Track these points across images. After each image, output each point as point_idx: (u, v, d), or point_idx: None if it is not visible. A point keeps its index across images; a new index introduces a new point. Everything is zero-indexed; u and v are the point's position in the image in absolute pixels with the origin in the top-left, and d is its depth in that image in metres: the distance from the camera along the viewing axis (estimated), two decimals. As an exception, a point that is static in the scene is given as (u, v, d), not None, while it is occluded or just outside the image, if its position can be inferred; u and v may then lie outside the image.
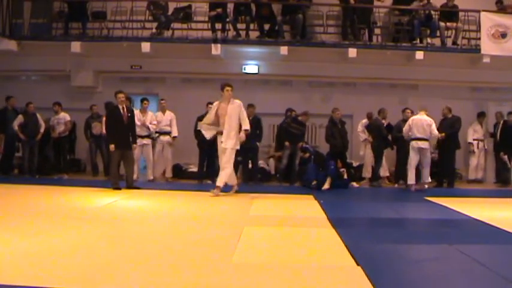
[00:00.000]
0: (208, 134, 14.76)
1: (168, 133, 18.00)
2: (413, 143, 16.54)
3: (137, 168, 17.31)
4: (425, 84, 20.28)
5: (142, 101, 18.00)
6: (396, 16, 19.94)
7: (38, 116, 18.14)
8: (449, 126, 17.65)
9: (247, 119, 14.31)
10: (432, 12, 19.37)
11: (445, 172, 17.69)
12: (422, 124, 16.49)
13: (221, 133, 14.10)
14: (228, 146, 13.92)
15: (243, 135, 14.04)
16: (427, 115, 16.72)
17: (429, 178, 16.77)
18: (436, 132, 16.51)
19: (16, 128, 17.84)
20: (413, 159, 16.54)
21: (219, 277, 6.07)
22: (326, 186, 15.80)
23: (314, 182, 15.93)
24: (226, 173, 14.06)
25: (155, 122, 17.77)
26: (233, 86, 14.32)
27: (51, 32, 20.38)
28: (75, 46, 19.14)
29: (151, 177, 17.70)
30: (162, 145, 18.02)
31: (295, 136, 17.69)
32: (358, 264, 6.60)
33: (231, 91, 14.20)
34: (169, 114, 18.07)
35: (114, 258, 6.86)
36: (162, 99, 18.46)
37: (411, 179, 16.59)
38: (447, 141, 17.41)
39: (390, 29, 19.93)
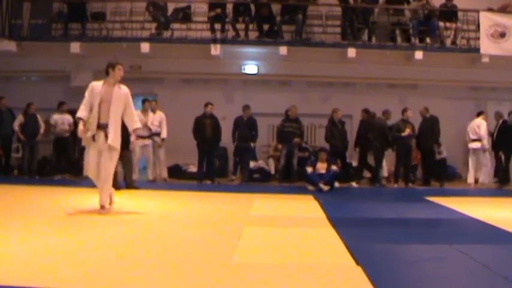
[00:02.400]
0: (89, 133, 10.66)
1: (158, 134, 17.92)
2: (469, 145, 17.96)
3: (137, 169, 17.30)
4: (424, 84, 20.32)
5: (143, 101, 17.99)
6: (395, 16, 19.91)
7: (38, 116, 18.15)
8: (430, 128, 18.02)
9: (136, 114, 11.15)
10: (431, 12, 19.36)
11: (433, 173, 17.88)
12: (474, 126, 17.81)
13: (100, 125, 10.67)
14: (114, 144, 10.66)
15: (134, 139, 11.47)
16: (483, 118, 17.95)
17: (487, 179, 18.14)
18: (482, 133, 17.64)
19: (17, 128, 17.86)
20: (470, 160, 18.06)
21: (219, 277, 6.07)
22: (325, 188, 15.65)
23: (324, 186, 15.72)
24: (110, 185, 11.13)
25: (156, 123, 17.73)
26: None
27: (50, 33, 20.37)
28: (75, 47, 19.16)
29: (151, 178, 17.69)
30: (152, 146, 17.97)
31: (289, 135, 17.76)
32: (358, 264, 6.61)
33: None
34: (159, 115, 17.97)
35: (113, 259, 6.88)
36: (153, 100, 18.41)
37: (470, 177, 18.05)
38: (429, 142, 18.03)
39: (388, 29, 19.87)
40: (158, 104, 18.45)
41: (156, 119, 17.91)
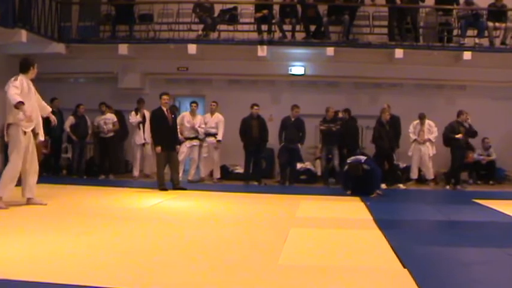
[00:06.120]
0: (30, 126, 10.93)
1: (214, 135, 18.03)
2: None
3: (182, 169, 17.37)
4: (473, 85, 20.03)
5: (191, 103, 18.13)
6: (443, 16, 19.70)
7: (87, 117, 18.36)
8: (394, 126, 17.80)
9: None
10: (480, 11, 19.09)
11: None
12: None
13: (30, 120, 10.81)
14: (43, 138, 11.55)
15: (54, 118, 11.91)
16: None
17: None
18: None
19: (68, 129, 18.13)
20: None
21: (264, 279, 6.08)
22: (374, 195, 14.71)
23: (349, 192, 14.94)
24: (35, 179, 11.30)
25: (203, 126, 17.85)
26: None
27: (98, 35, 20.65)
28: (123, 48, 19.35)
29: (190, 178, 17.68)
30: (208, 146, 18.07)
31: (325, 136, 17.73)
32: (404, 267, 6.55)
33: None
34: (216, 117, 18.12)
35: (159, 258, 6.92)
36: (213, 101, 18.50)
37: None
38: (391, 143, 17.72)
39: (436, 29, 19.64)
40: (209, 106, 18.65)
41: (214, 120, 18.07)
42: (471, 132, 17.48)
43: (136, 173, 18.36)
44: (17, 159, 10.70)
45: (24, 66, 10.97)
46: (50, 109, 11.56)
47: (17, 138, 10.68)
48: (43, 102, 11.42)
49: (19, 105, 10.38)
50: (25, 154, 10.86)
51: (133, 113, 18.46)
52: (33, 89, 10.99)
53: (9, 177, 10.67)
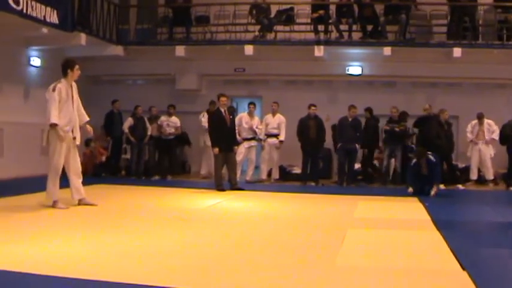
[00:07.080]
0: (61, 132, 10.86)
1: (276, 135, 18.03)
2: None
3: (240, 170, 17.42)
4: (534, 83, 19.70)
5: (249, 104, 18.24)
6: (502, 14, 19.41)
7: (145, 119, 18.53)
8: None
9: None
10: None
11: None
12: None
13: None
14: (79, 142, 11.53)
15: (90, 128, 11.77)
16: None
17: None
18: None
19: (126, 130, 18.32)
20: None
21: (321, 279, 6.09)
22: (433, 192, 14.54)
23: (410, 189, 14.70)
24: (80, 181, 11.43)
25: (261, 127, 17.89)
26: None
27: (156, 37, 20.95)
28: (180, 50, 19.57)
29: (248, 178, 17.70)
30: (269, 147, 18.11)
31: (389, 136, 17.57)
32: (463, 269, 6.48)
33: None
34: (278, 118, 18.10)
35: (218, 258, 6.97)
36: (274, 102, 18.44)
37: None
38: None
39: (495, 27, 19.36)
40: (268, 106, 18.89)
41: (276, 121, 18.10)
42: None
43: (203, 171, 18.58)
44: (55, 164, 10.83)
45: (63, 70, 11.08)
46: (87, 119, 11.50)
47: (56, 142, 10.80)
48: (82, 110, 11.42)
49: (54, 126, 10.69)
50: (66, 157, 10.99)
51: (204, 113, 18.52)
52: (73, 94, 11.06)
53: (52, 181, 10.84)
